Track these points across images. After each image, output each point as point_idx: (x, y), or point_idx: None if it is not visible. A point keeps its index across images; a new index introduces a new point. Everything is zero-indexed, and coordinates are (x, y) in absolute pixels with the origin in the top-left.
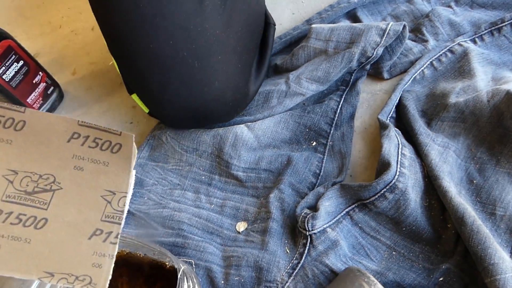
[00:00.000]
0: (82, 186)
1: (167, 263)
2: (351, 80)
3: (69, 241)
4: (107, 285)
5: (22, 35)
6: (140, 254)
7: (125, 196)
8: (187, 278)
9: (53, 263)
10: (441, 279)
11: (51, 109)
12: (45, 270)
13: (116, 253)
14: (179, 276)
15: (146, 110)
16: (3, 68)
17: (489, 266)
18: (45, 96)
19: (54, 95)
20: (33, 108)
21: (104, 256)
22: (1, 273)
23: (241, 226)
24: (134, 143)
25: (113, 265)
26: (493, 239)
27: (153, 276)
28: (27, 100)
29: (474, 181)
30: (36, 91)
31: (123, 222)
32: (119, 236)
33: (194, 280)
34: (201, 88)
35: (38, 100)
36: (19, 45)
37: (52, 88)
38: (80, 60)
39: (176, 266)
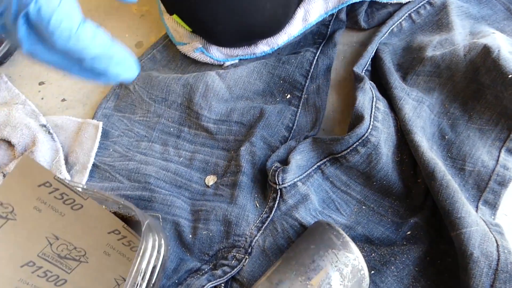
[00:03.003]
0: (103, 267)
1: (133, 217)
2: (328, 32)
3: None
4: None
5: None
6: (105, 208)
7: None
8: (152, 232)
9: None
10: (408, 232)
11: (7, 55)
12: None
13: None
14: (143, 230)
15: (189, 30)
16: None
17: (455, 219)
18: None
19: None
20: None
21: None
22: None
23: (210, 180)
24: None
25: None
26: (461, 194)
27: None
28: None
29: (446, 137)
30: None
31: None
32: None
33: (160, 234)
34: (252, 12)
35: None
36: None
37: None
38: None
39: (140, 220)
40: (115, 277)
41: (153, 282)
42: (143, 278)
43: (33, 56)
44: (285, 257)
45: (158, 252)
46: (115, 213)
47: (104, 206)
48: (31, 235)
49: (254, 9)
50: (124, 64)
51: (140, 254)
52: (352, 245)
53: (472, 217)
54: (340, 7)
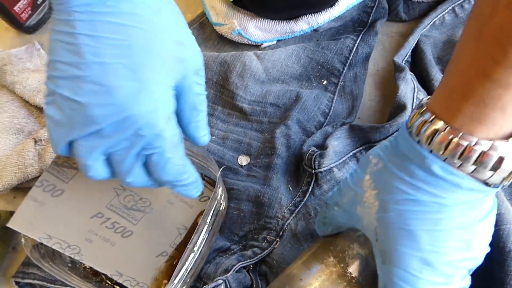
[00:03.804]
0: (166, 216)
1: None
2: (369, 20)
3: (142, 253)
4: None
5: None
6: None
7: (190, 235)
8: (221, 183)
9: (125, 266)
10: None
11: (41, 22)
12: (117, 270)
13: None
14: (218, 175)
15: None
16: None
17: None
18: (34, 6)
19: (44, 6)
20: (21, 17)
21: (161, 273)
22: (86, 263)
23: (243, 160)
24: (215, 200)
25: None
26: (501, 190)
27: None
28: (14, 9)
29: None
30: None
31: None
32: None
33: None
34: None
35: (26, 10)
36: None
37: None
38: None
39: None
40: (177, 227)
41: (214, 231)
42: (209, 226)
43: (127, 184)
44: (323, 242)
45: (223, 204)
46: None
47: None
48: (100, 186)
49: None
50: (194, 188)
51: (215, 198)
52: None
53: (511, 214)
54: None
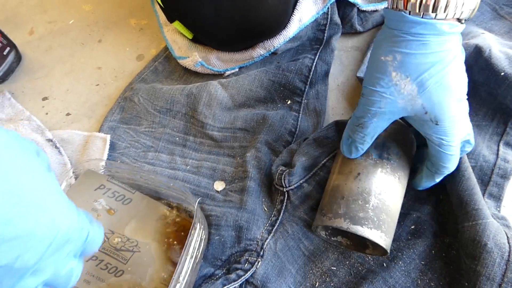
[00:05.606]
0: (154, 253)
1: (171, 202)
2: (325, 37)
3: None
4: None
5: None
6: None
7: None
8: (199, 214)
9: None
10: (412, 227)
11: (9, 72)
12: None
13: None
14: (195, 207)
15: (190, 36)
16: None
17: (473, 211)
18: (0, 57)
19: (10, 57)
20: None
21: None
22: None
23: (219, 186)
24: (195, 231)
25: None
26: (479, 187)
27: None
28: None
29: None
30: None
31: None
32: None
33: (203, 221)
34: (256, 5)
35: None
36: None
37: (8, 49)
38: (37, 19)
39: (192, 199)
40: (166, 263)
41: (197, 260)
42: (191, 256)
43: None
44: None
45: (203, 233)
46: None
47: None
48: None
49: (256, 4)
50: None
51: (194, 229)
52: None
53: (488, 210)
54: (327, 5)
